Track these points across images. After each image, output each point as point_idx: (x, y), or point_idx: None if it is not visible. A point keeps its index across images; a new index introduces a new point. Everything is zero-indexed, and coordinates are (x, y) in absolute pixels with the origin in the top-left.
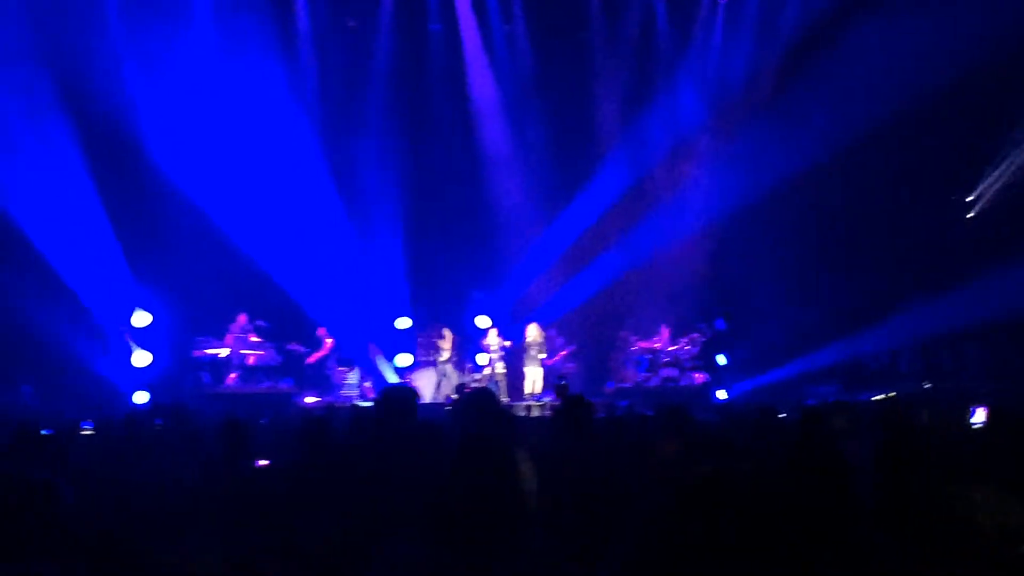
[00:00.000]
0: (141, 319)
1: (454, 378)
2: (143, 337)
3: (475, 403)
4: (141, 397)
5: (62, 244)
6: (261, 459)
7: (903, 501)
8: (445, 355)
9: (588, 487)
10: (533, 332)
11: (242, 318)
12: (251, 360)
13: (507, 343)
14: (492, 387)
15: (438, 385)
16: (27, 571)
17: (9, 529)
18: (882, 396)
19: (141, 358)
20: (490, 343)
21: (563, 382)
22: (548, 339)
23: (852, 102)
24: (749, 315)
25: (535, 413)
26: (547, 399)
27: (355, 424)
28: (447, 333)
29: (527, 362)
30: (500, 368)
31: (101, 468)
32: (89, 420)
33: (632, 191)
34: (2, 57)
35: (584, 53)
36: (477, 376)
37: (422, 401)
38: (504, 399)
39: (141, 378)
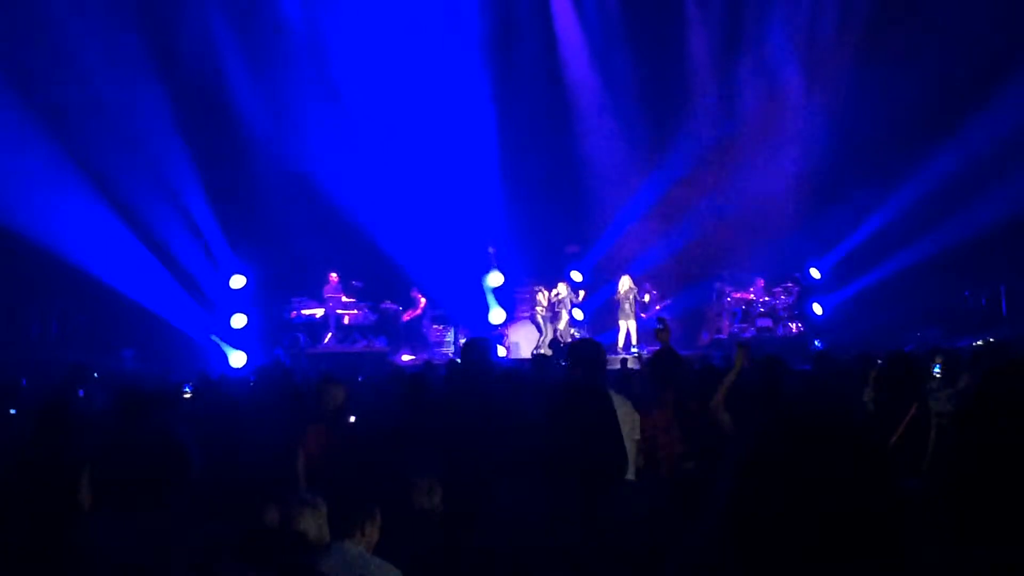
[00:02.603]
0: (236, 281)
1: (549, 332)
2: (238, 298)
3: (581, 352)
4: (239, 359)
5: (157, 209)
6: (356, 416)
7: (987, 452)
8: (540, 310)
9: (687, 434)
10: (625, 284)
11: (333, 277)
12: (346, 320)
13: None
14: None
15: (537, 340)
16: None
17: (145, 482)
18: (982, 342)
19: (238, 320)
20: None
21: (661, 326)
22: (642, 291)
23: (955, 41)
24: (847, 261)
25: (631, 365)
26: (638, 350)
27: (450, 379)
28: (542, 288)
29: (620, 315)
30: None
31: (202, 427)
32: (188, 383)
33: (725, 139)
34: (94, 23)
35: None
36: (574, 331)
37: (518, 356)
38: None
39: (239, 340)
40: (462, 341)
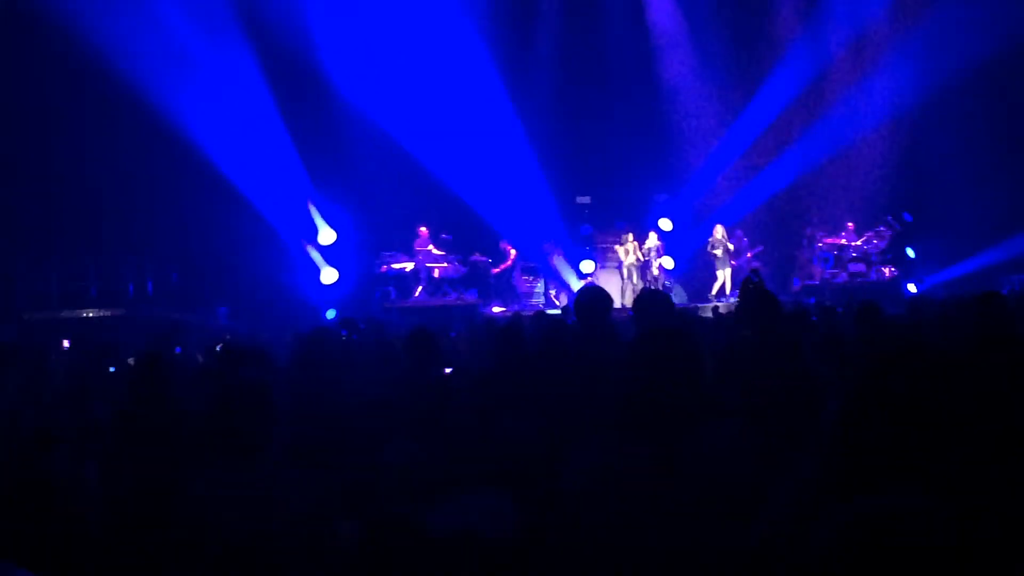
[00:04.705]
0: (327, 237)
1: (638, 282)
2: (328, 253)
3: (650, 302)
4: (331, 313)
5: (248, 165)
6: (448, 368)
7: None
8: (629, 259)
9: (775, 378)
10: (719, 232)
11: (423, 231)
12: (436, 273)
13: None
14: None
15: (622, 291)
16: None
17: (230, 427)
18: None
19: (328, 275)
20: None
21: (756, 278)
22: (734, 239)
23: None
24: (940, 205)
25: (723, 311)
26: (733, 299)
27: (544, 331)
28: (629, 237)
29: (716, 263)
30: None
31: (295, 381)
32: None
33: (815, 84)
34: None
35: None
36: (665, 280)
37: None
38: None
39: (331, 295)
40: (552, 292)
